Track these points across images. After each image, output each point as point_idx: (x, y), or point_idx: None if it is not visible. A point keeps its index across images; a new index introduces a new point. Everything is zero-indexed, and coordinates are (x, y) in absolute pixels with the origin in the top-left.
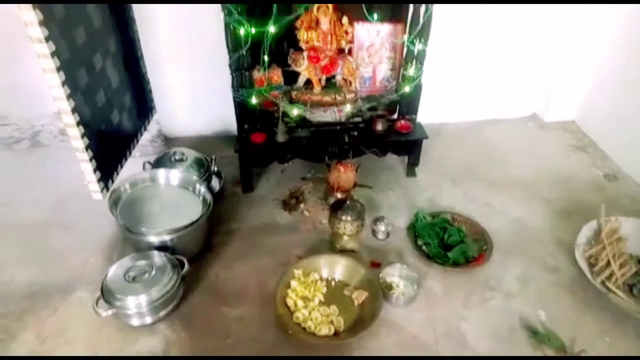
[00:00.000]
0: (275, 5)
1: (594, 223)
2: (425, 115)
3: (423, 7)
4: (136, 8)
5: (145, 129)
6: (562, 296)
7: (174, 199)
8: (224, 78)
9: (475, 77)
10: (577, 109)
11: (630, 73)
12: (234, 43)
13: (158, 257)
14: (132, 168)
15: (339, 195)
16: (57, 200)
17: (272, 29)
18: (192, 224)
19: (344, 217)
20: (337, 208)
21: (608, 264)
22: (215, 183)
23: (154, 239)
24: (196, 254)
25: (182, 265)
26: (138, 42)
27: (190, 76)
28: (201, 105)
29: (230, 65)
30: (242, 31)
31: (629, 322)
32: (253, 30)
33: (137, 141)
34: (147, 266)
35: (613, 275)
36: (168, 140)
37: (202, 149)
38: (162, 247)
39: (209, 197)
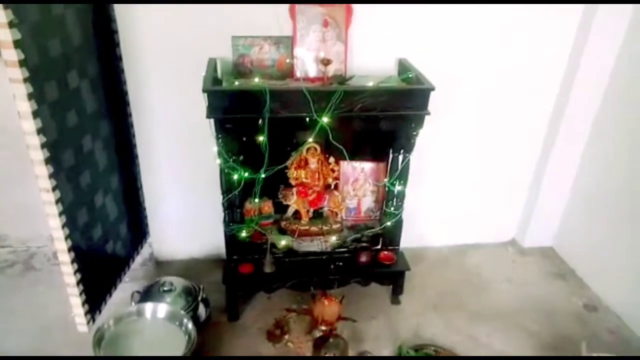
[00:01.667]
0: (267, 156)
1: None
2: (410, 239)
3: (401, 155)
4: (140, 145)
5: (137, 254)
6: None
7: (158, 335)
8: (217, 208)
9: (457, 202)
10: (554, 235)
11: (603, 202)
12: (227, 185)
13: None
14: (120, 294)
15: (323, 328)
16: (42, 329)
17: (262, 175)
18: None
19: (327, 355)
20: (319, 345)
21: None
22: (202, 311)
23: None
24: None
25: None
26: (139, 175)
27: (186, 205)
28: (194, 232)
29: (223, 204)
30: (235, 176)
31: None
32: (246, 175)
33: (129, 268)
34: None
35: None
36: (159, 264)
37: (192, 273)
38: None
39: (193, 333)
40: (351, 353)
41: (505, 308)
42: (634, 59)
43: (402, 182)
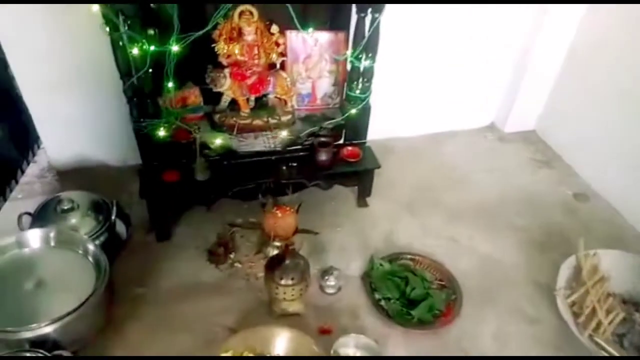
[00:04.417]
0: (176, 17)
1: (573, 260)
2: (375, 130)
3: (369, 16)
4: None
5: (28, 163)
6: (547, 354)
7: (55, 269)
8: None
9: (428, 85)
10: (537, 117)
11: (595, 80)
12: (126, 65)
13: None
14: (10, 215)
15: (277, 244)
16: None
17: (175, 48)
18: (80, 306)
19: (283, 281)
20: (274, 267)
21: (593, 311)
22: (123, 231)
23: (27, 335)
24: (91, 339)
25: None
26: (4, 62)
27: (85, 99)
28: (101, 133)
29: (124, 92)
30: (136, 50)
31: None
32: (152, 48)
33: (17, 182)
34: None
35: (601, 326)
36: (61, 175)
37: (105, 185)
38: (41, 342)
39: (103, 260)
40: (314, 269)
41: (487, 202)
42: None
43: (370, 55)
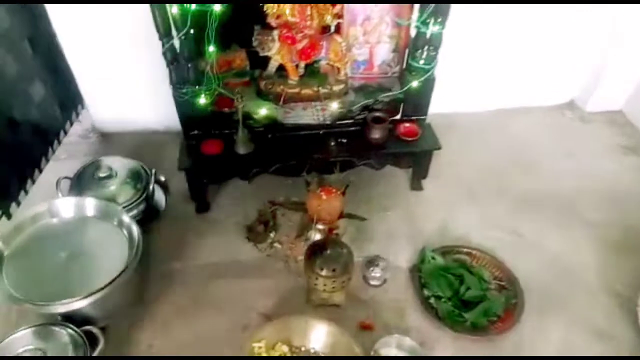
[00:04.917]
0: None
1: None
2: (435, 102)
3: None
4: None
5: (71, 124)
6: None
7: (87, 240)
8: None
9: (499, 54)
10: (626, 95)
11: None
12: (165, 25)
13: (59, 336)
14: (53, 177)
15: (320, 228)
16: None
17: (217, 7)
18: (112, 281)
19: (323, 272)
20: (314, 255)
21: None
22: (161, 196)
23: (59, 309)
24: (121, 314)
25: (94, 341)
26: (47, 19)
27: (128, 59)
28: (145, 95)
29: (164, 54)
30: (175, 9)
31: None
32: (193, 7)
33: (60, 142)
34: (38, 351)
35: None
36: (105, 137)
37: (147, 150)
38: (72, 316)
39: (137, 233)
40: (359, 258)
41: (560, 192)
42: None
43: (439, 19)
